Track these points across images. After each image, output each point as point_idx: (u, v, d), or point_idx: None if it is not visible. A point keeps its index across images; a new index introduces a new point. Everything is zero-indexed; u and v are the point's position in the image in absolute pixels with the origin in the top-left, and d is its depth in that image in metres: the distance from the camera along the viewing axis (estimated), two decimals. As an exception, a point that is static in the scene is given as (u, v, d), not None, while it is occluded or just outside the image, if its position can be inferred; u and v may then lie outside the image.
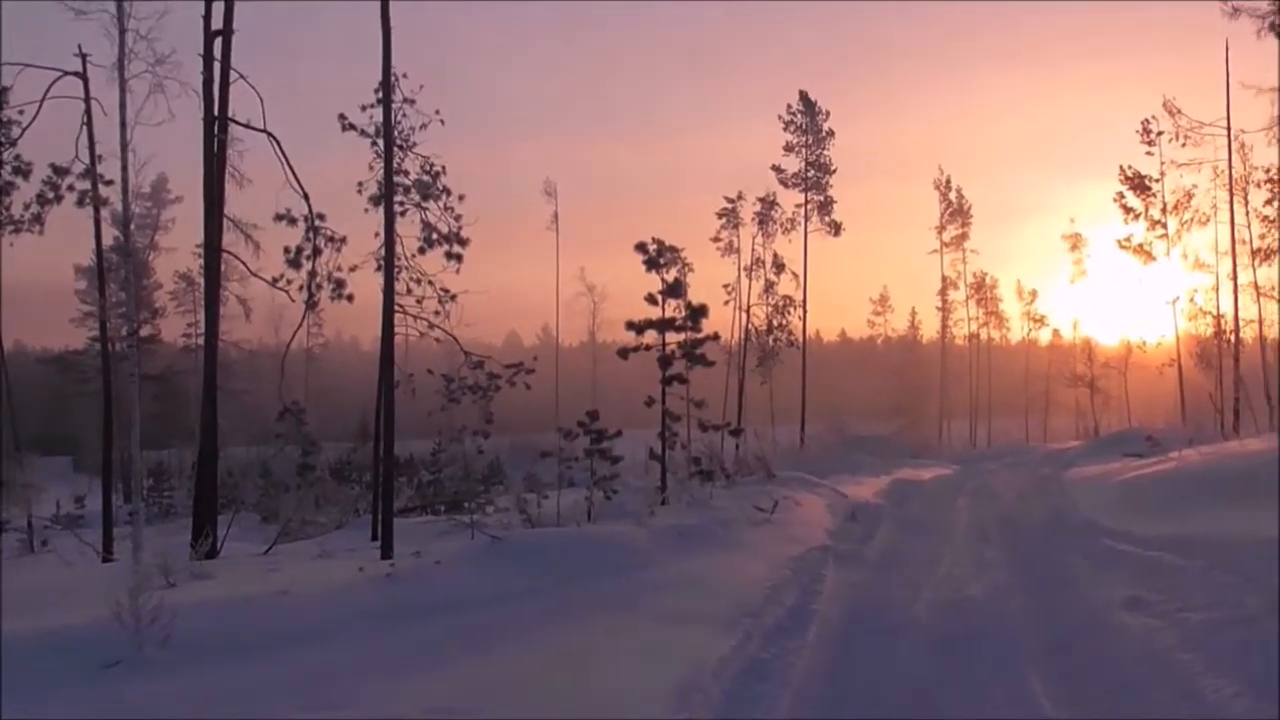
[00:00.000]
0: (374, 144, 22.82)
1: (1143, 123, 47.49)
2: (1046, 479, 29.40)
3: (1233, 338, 42.92)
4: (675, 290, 21.66)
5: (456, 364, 22.95)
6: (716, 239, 53.06)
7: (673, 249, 22.48)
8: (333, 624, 10.34)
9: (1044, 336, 77.99)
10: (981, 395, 74.98)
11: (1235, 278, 42.43)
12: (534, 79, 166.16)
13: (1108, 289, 63.50)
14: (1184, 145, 43.04)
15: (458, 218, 22.66)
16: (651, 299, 21.55)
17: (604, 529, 15.95)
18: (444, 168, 22.93)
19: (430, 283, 22.48)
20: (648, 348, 21.67)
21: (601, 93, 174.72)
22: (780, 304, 51.62)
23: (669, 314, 21.63)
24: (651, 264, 21.79)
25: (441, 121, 22.73)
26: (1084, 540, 17.04)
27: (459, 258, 22.86)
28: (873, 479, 30.21)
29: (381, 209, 19.25)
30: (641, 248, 21.91)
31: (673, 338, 21.68)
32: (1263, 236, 41.37)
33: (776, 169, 53.02)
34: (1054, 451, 45.38)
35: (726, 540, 16.06)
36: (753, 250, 52.29)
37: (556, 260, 60.85)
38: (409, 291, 22.19)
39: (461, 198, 22.90)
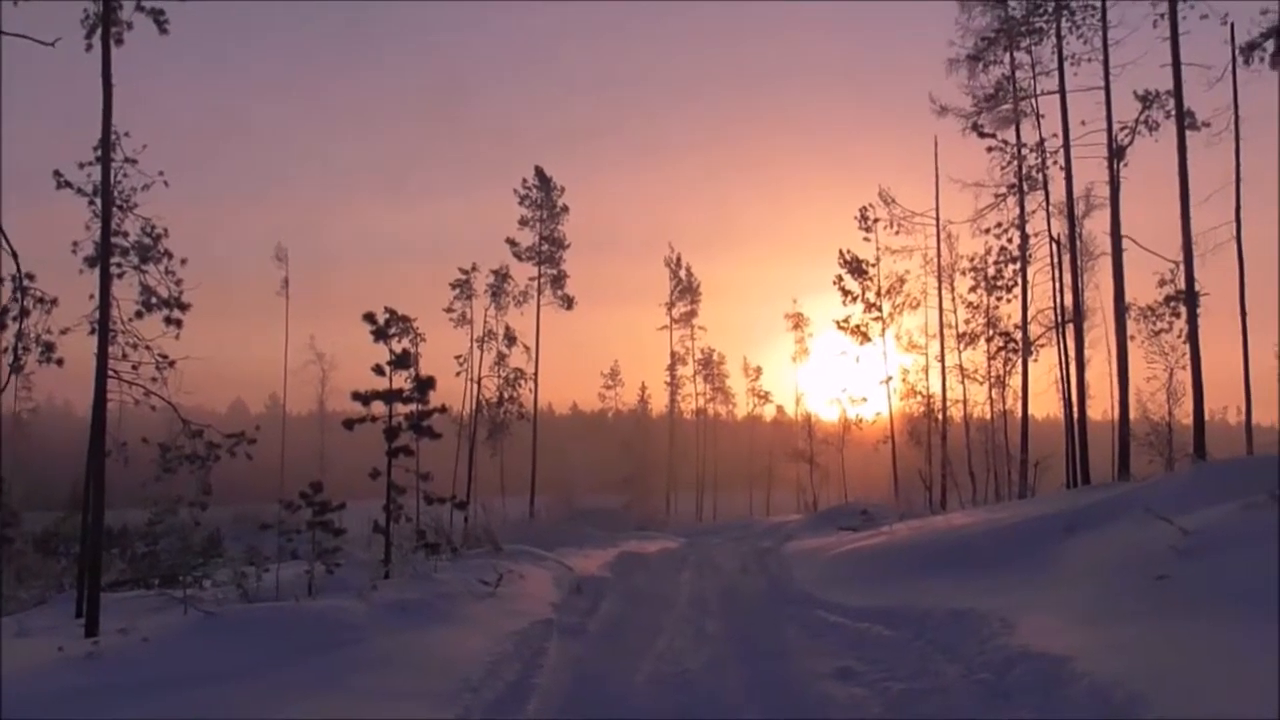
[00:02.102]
0: (92, 203, 21.93)
1: (861, 210, 50.06)
2: (767, 552, 30.15)
3: (941, 416, 45.40)
4: (404, 361, 21.50)
5: (174, 432, 22.12)
6: (450, 309, 53.04)
7: (404, 318, 22.33)
8: (23, 712, 9.79)
9: (768, 412, 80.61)
10: (708, 469, 76.68)
11: (943, 359, 45.06)
12: (267, 142, 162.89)
13: (828, 367, 66.28)
14: (898, 233, 45.71)
15: (179, 282, 21.90)
16: (379, 370, 21.34)
17: (324, 603, 15.60)
18: (166, 230, 22.19)
19: (148, 348, 21.65)
20: (374, 419, 21.42)
21: (338, 158, 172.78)
22: (512, 376, 51.90)
23: (397, 385, 21.45)
24: (380, 334, 21.59)
25: (165, 183, 22.00)
26: (800, 612, 17.60)
27: (179, 323, 22.08)
28: (599, 551, 30.43)
29: (98, 270, 18.51)
30: (370, 318, 21.69)
31: (400, 409, 21.48)
32: (967, 321, 44.01)
33: (511, 242, 53.53)
34: (775, 525, 46.64)
35: (449, 614, 15.95)
36: (485, 322, 52.47)
37: (286, 327, 59.46)
38: (125, 356, 21.30)
39: (184, 261, 22.14)
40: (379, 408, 21.38)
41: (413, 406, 21.60)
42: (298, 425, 71.71)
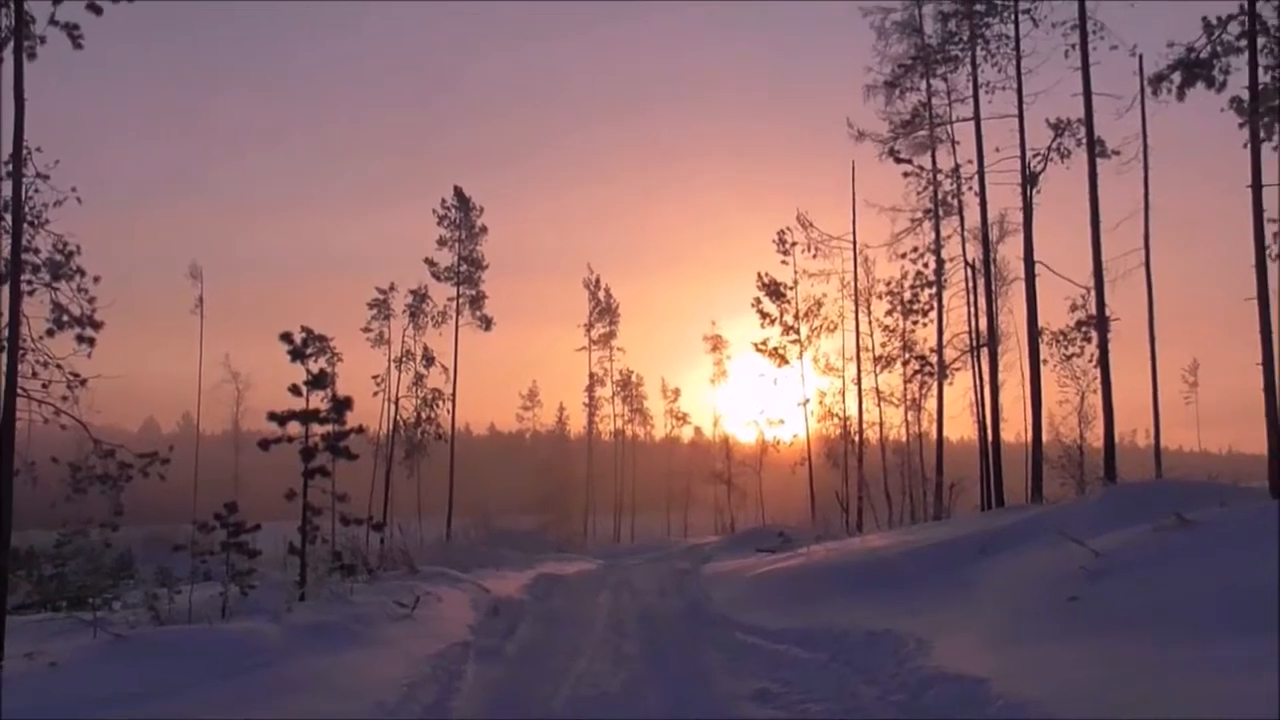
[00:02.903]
0: (1, 219, 21.55)
1: (779, 233, 50.48)
2: (685, 573, 30.22)
3: (857, 438, 45.85)
4: (321, 382, 21.33)
5: (85, 452, 21.74)
6: (367, 329, 52.71)
7: (321, 338, 22.18)
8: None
9: (686, 434, 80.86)
10: (626, 490, 76.67)
11: (859, 382, 45.52)
12: (182, 157, 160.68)
13: (746, 389, 66.59)
14: (815, 256, 46.10)
15: (91, 300, 21.59)
16: (296, 390, 21.15)
17: (238, 626, 15.40)
18: (79, 246, 21.85)
19: (59, 366, 21.28)
20: (290, 439, 21.20)
21: (255, 174, 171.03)
22: (429, 397, 51.61)
23: (314, 405, 21.27)
24: (297, 354, 21.40)
25: (79, 199, 21.67)
26: (718, 633, 17.71)
27: (91, 341, 21.75)
28: (517, 573, 30.33)
29: (7, 288, 18.18)
30: (287, 337, 21.49)
31: (317, 429, 21.29)
32: (884, 345, 44.53)
33: (429, 262, 53.29)
34: (693, 546, 46.72)
35: (365, 637, 15.82)
36: (403, 342, 52.17)
37: (200, 345, 58.52)
38: (35, 375, 20.93)
39: (97, 279, 21.83)
40: (295, 428, 21.18)
41: (329, 427, 21.43)
42: (211, 445, 70.71)
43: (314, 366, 21.60)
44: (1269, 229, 21.16)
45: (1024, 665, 10.77)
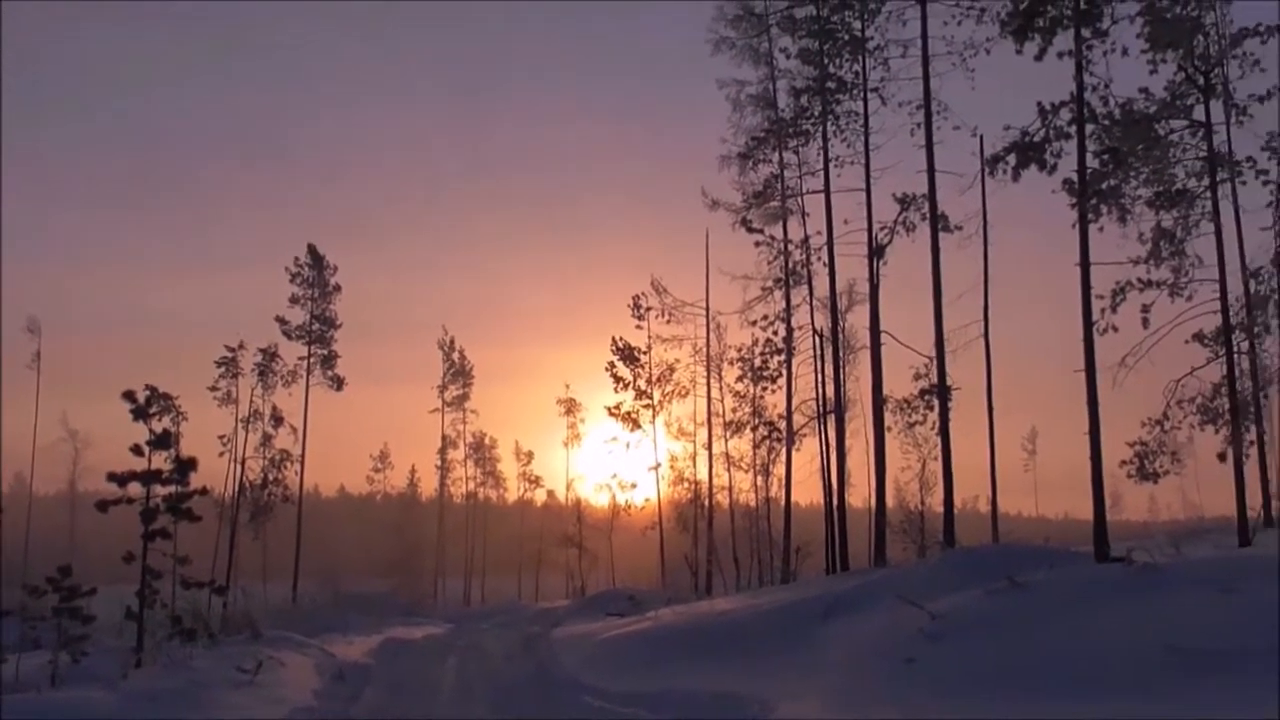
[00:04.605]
0: None
1: (634, 298, 50.80)
2: (535, 637, 30.09)
3: (708, 503, 46.23)
4: (164, 441, 20.89)
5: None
6: (215, 388, 51.52)
7: (165, 396, 21.69)
8: None
9: (539, 497, 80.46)
10: (477, 553, 75.94)
11: (710, 447, 45.95)
12: (20, 210, 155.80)
13: (600, 452, 66.51)
14: (669, 322, 46.54)
15: (-80, 355, 20.93)
16: (138, 450, 20.66)
17: (67, 695, 14.94)
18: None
19: (-118, 423, 20.52)
20: (131, 500, 20.68)
21: (98, 226, 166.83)
22: (277, 457, 50.58)
23: (157, 466, 20.80)
24: (140, 413, 20.92)
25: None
26: (566, 697, 17.71)
27: (-80, 397, 21.06)
28: (364, 638, 29.89)
29: None
30: (129, 395, 21.01)
31: (159, 490, 20.81)
32: (734, 410, 45.05)
33: (281, 320, 52.39)
34: (544, 610, 46.47)
35: (204, 703, 15.47)
36: (251, 401, 51.12)
37: (36, 402, 56.70)
38: None
39: (-73, 333, 21.20)
40: (136, 489, 20.67)
41: (172, 488, 20.97)
42: (46, 506, 68.36)
43: (157, 426, 21.16)
44: (1096, 305, 22.11)
45: (862, 727, 11.01)
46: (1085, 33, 21.88)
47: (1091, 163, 22.21)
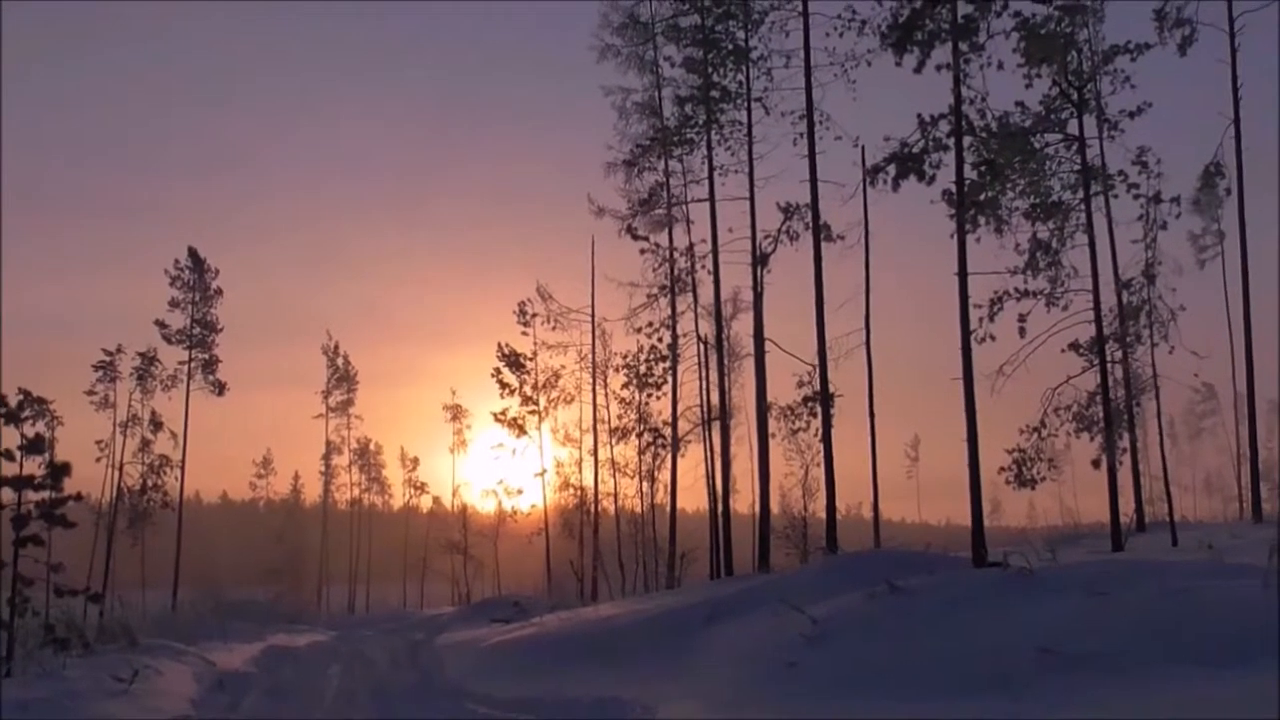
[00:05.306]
0: None
1: (520, 304, 50.76)
2: (419, 644, 29.95)
3: (593, 509, 46.36)
4: (37, 446, 20.46)
5: None
6: (91, 392, 50.45)
7: (39, 400, 21.25)
8: None
9: (425, 503, 79.78)
10: (362, 560, 75.16)
11: (596, 453, 46.12)
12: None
13: (486, 458, 66.19)
14: (555, 328, 46.63)
15: None
16: (9, 455, 20.21)
17: (-67, 705, 14.58)
18: None
19: None
20: (1, 506, 20.22)
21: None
22: (156, 463, 49.64)
23: (29, 471, 20.35)
24: (11, 417, 20.48)
25: None
26: (449, 704, 17.69)
27: None
28: (245, 646, 29.43)
29: None
30: (0, 399, 20.57)
31: (31, 496, 20.37)
32: (620, 417, 45.18)
33: (160, 324, 51.38)
34: (429, 617, 46.15)
35: (77, 713, 15.19)
36: (130, 406, 50.12)
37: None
38: None
39: None
40: (7, 494, 20.23)
41: (45, 494, 20.53)
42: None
43: (30, 430, 20.72)
44: (974, 314, 22.66)
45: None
46: (962, 46, 22.34)
47: (969, 174, 22.73)
